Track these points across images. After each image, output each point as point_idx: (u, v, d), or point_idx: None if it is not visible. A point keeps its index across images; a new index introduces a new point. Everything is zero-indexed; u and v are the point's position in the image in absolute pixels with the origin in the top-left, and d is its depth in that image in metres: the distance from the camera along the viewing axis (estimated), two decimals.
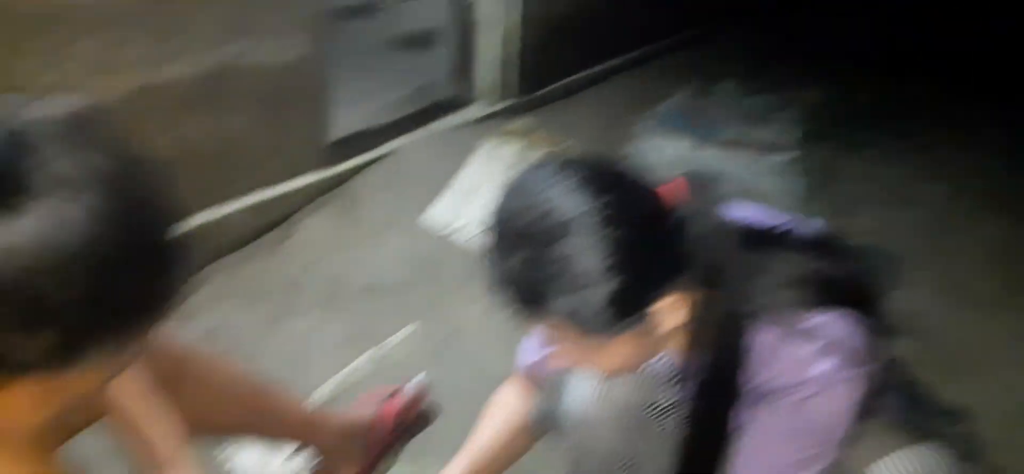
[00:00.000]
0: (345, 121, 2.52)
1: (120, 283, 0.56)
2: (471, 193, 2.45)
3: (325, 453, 1.39)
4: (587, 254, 0.79)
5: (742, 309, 0.87)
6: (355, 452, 1.43)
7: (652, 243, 0.83)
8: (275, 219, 2.20)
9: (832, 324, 0.87)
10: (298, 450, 1.49)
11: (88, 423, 1.07)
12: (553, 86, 3.10)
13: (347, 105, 2.53)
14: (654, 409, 1.08)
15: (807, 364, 0.87)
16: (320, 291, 1.99)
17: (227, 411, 1.22)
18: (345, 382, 1.70)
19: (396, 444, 1.54)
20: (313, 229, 2.21)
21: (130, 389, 0.98)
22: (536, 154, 2.71)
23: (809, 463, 0.91)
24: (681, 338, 0.91)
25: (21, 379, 0.56)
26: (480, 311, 1.97)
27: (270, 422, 1.29)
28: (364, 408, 1.48)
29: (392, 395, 1.52)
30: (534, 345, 1.17)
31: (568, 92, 3.14)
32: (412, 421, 1.56)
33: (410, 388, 1.57)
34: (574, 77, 3.15)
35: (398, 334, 1.86)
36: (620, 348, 0.87)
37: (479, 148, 2.64)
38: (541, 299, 0.81)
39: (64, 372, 0.57)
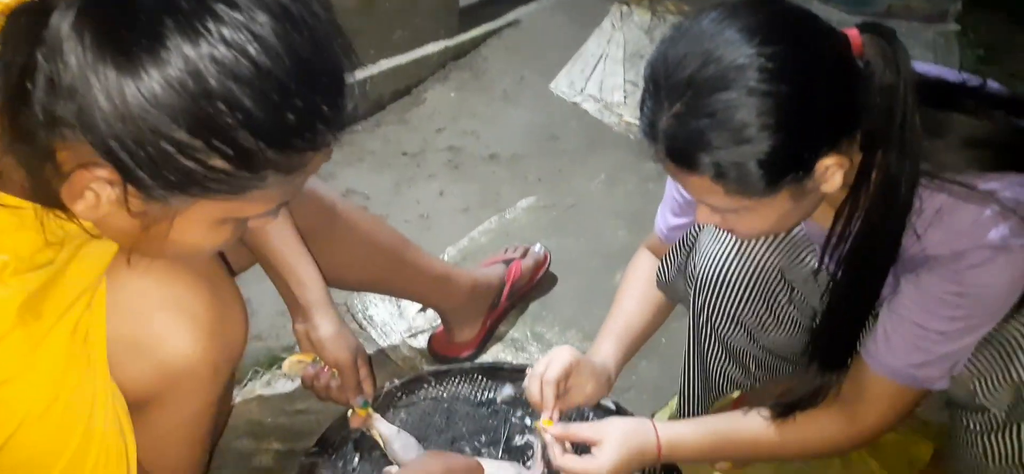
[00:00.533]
0: None
1: (291, 106, 0.58)
2: (597, 62, 2.40)
3: (450, 311, 1.48)
4: (747, 107, 0.74)
5: (914, 169, 0.80)
6: (477, 312, 1.50)
7: (820, 98, 0.77)
8: (405, 86, 2.25)
9: (1009, 188, 0.80)
10: (424, 308, 1.59)
11: (246, 266, 1.18)
12: None
13: None
14: (791, 274, 1.05)
15: (978, 230, 0.81)
16: (445, 158, 2.05)
17: (370, 263, 1.30)
18: (468, 247, 1.77)
19: (515, 308, 1.61)
20: (440, 97, 2.25)
21: (282, 234, 1.06)
22: (667, 22, 2.59)
23: (958, 334, 0.87)
24: (836, 201, 0.86)
25: (201, 200, 0.61)
26: (600, 184, 1.97)
27: (406, 277, 1.37)
28: (488, 271, 1.54)
29: (513, 260, 1.58)
30: (673, 209, 1.15)
31: None
32: (531, 287, 1.62)
33: (531, 255, 1.62)
34: None
35: (520, 203, 1.89)
36: (770, 209, 0.82)
37: (606, 16, 2.56)
38: (695, 152, 0.77)
39: (238, 195, 0.61)
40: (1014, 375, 0.90)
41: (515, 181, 1.97)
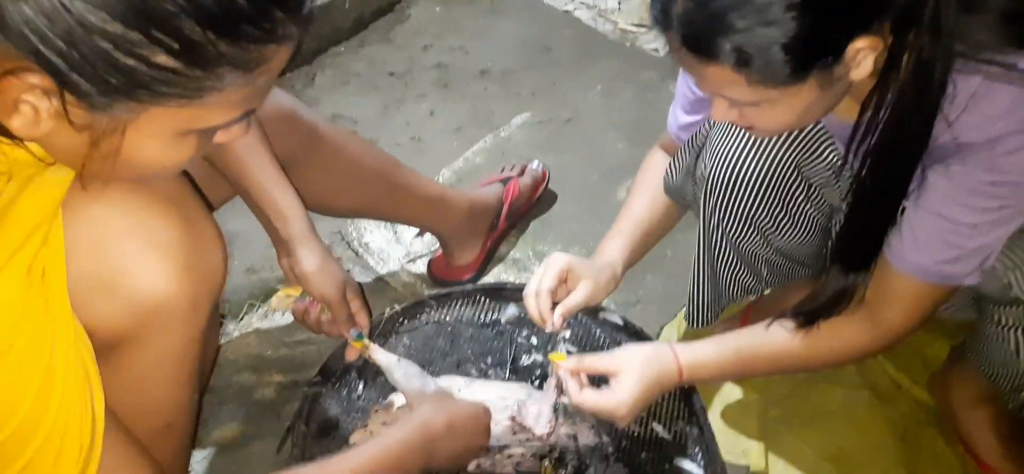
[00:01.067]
0: None
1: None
2: None
3: (447, 234, 1.42)
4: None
5: (948, 50, 0.74)
6: (476, 233, 1.45)
7: None
8: (387, 2, 2.15)
9: None
10: (421, 232, 1.54)
11: (226, 198, 1.12)
12: None
13: None
14: (809, 171, 1.00)
15: (1016, 112, 0.75)
16: (434, 77, 1.96)
17: (360, 188, 1.24)
18: (463, 168, 1.70)
19: (515, 228, 1.56)
20: (425, 12, 2.15)
21: (258, 162, 1.00)
22: None
23: (992, 226, 0.82)
24: (861, 92, 0.80)
25: (151, 107, 0.55)
26: (597, 96, 1.89)
27: (399, 201, 1.31)
28: (484, 191, 1.48)
29: (511, 179, 1.52)
30: (685, 105, 1.09)
31: None
32: (530, 205, 1.56)
33: (528, 173, 1.56)
34: None
35: (514, 120, 1.82)
36: (795, 101, 0.77)
37: None
38: (714, 37, 0.71)
39: (194, 100, 0.55)
40: None
41: (508, 97, 1.90)
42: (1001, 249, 0.86)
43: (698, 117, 1.08)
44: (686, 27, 0.73)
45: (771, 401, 1.23)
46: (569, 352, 1.18)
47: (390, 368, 1.07)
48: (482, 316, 1.30)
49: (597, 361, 0.99)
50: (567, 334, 1.18)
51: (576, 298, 1.03)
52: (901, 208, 0.87)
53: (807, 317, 0.95)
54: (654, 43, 2.05)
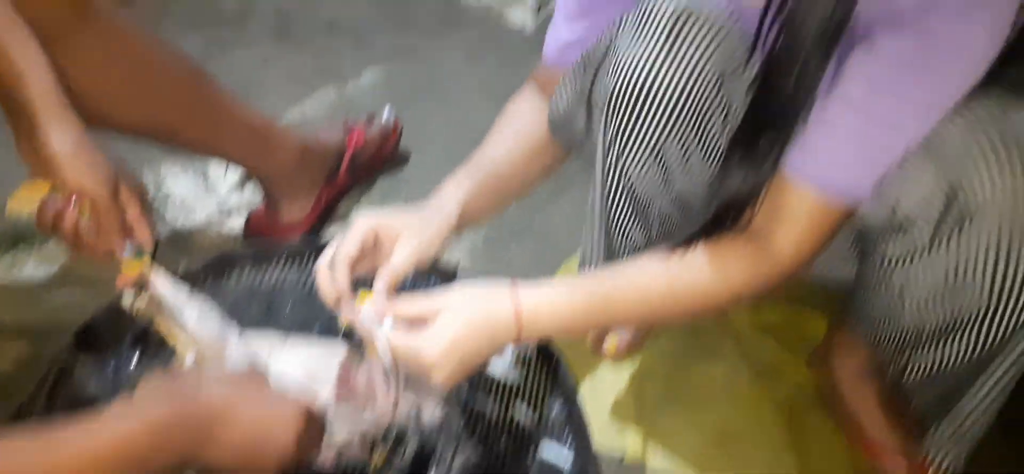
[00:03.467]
0: None
1: None
2: None
3: (273, 179, 1.16)
4: None
5: None
6: (310, 183, 1.20)
7: None
8: None
9: None
10: (244, 179, 1.26)
11: None
12: None
13: None
14: (731, 84, 0.83)
15: None
16: (273, 21, 1.69)
17: (152, 94, 0.95)
18: (298, 120, 1.45)
19: (361, 183, 1.32)
20: None
21: None
22: None
23: (914, 117, 0.70)
24: None
25: None
26: (459, 61, 1.70)
27: (209, 123, 1.03)
28: (323, 135, 1.24)
29: (356, 127, 1.28)
30: (569, 12, 0.92)
31: None
32: (379, 160, 1.33)
33: (377, 124, 1.33)
34: None
35: (364, 74, 1.59)
36: None
37: None
38: None
39: None
40: (948, 178, 0.73)
41: (359, 52, 1.66)
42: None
43: (585, 24, 0.90)
44: None
45: (648, 377, 1.08)
46: None
47: (179, 305, 0.79)
48: (309, 280, 1.05)
49: (412, 303, 0.75)
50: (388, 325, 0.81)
51: (397, 261, 0.79)
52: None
53: (685, 240, 0.78)
54: (520, 20, 1.90)
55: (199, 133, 1.04)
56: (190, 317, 0.79)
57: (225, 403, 0.66)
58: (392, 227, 0.81)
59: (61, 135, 0.73)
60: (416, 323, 0.74)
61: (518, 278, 0.77)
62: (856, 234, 0.88)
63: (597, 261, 1.02)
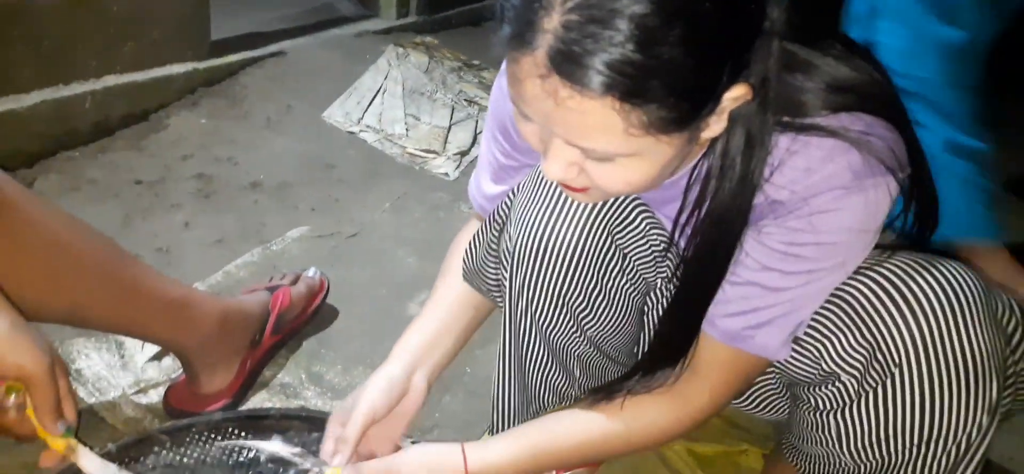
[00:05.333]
0: (231, 23, 2.20)
1: None
2: (375, 95, 2.19)
3: (194, 351, 1.12)
4: (658, 10, 0.58)
5: (775, 119, 0.70)
6: (232, 351, 1.16)
7: (738, 16, 0.63)
8: (141, 109, 1.86)
9: (861, 124, 0.72)
10: (162, 353, 1.22)
11: None
12: (459, 9, 2.91)
13: (233, 10, 2.22)
14: (622, 239, 0.89)
15: (827, 167, 0.72)
16: (193, 187, 1.68)
17: (63, 280, 0.92)
18: (223, 282, 1.42)
19: (284, 346, 1.29)
20: (187, 123, 1.89)
21: None
22: (444, 66, 2.48)
23: (801, 288, 0.77)
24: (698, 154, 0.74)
25: None
26: (385, 214, 1.73)
27: (124, 302, 1.00)
28: (246, 299, 1.21)
29: (280, 287, 1.27)
30: (492, 172, 0.97)
31: (474, 20, 2.95)
32: (305, 319, 1.31)
33: (303, 281, 1.32)
34: (481, 4, 2.97)
35: (289, 233, 1.59)
36: (662, 153, 0.66)
37: (381, 55, 2.38)
38: (594, 62, 0.59)
39: None
40: (866, 335, 0.80)
41: (283, 210, 1.66)
42: (809, 320, 0.81)
43: (506, 186, 0.95)
44: (562, 42, 0.59)
45: None
46: None
47: None
48: (235, 455, 1.01)
49: (376, 466, 0.83)
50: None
51: (383, 449, 0.90)
52: None
53: (608, 391, 0.85)
54: (443, 168, 1.96)
55: (114, 313, 1.01)
56: None
57: None
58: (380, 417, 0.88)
59: None
60: None
61: (451, 428, 0.82)
62: (785, 383, 0.93)
63: (511, 407, 1.04)
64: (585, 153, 0.67)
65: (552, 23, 0.59)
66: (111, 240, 1.03)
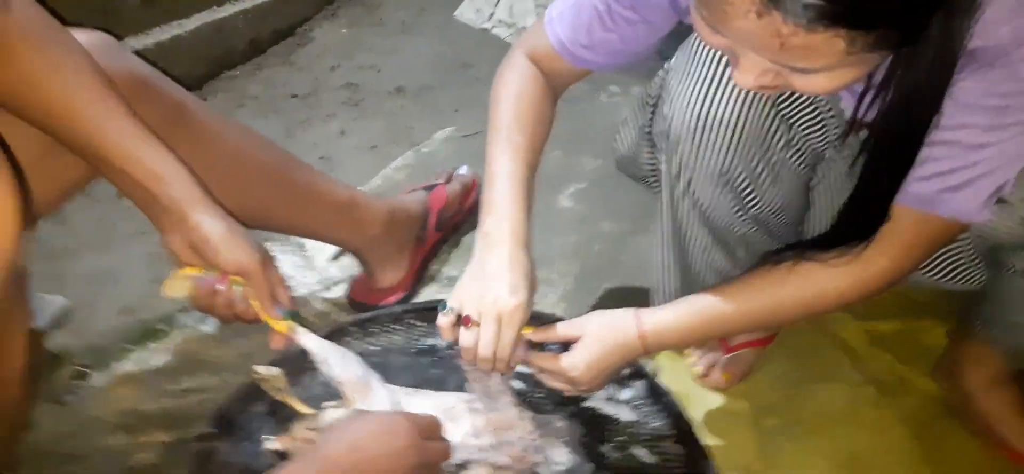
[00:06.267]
0: None
1: None
2: None
3: (366, 248, 1.20)
4: None
5: None
6: (400, 248, 1.23)
7: None
8: (287, 25, 1.94)
9: None
10: (338, 255, 1.31)
11: (83, 180, 0.87)
12: None
13: None
14: (786, 108, 0.84)
15: None
16: (343, 96, 1.76)
17: (243, 184, 1.00)
18: (382, 186, 1.49)
19: (446, 242, 1.35)
20: (330, 34, 1.95)
21: (119, 123, 0.76)
22: None
23: (1004, 146, 0.71)
24: None
25: None
26: None
27: (299, 204, 1.08)
28: (407, 198, 1.27)
29: (436, 186, 1.32)
30: (593, 23, 0.87)
31: None
32: (462, 216, 1.36)
33: (457, 179, 1.36)
34: None
35: (436, 135, 1.63)
36: (863, 66, 0.62)
37: None
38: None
39: None
40: None
41: (428, 113, 1.71)
42: (1017, 181, 0.74)
43: (609, 37, 0.86)
44: None
45: (764, 409, 1.06)
46: None
47: (325, 356, 0.86)
48: (416, 342, 1.08)
49: (561, 328, 0.88)
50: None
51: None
52: None
53: (778, 256, 0.82)
54: None
55: (290, 216, 1.09)
56: (336, 363, 0.86)
57: (352, 448, 0.74)
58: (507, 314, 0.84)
59: (212, 221, 0.78)
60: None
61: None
62: (985, 248, 0.87)
63: (671, 288, 1.03)
64: (789, 69, 0.63)
65: None
66: (282, 149, 1.09)
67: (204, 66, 1.77)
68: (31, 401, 0.97)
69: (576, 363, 0.84)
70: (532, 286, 0.85)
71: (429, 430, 0.82)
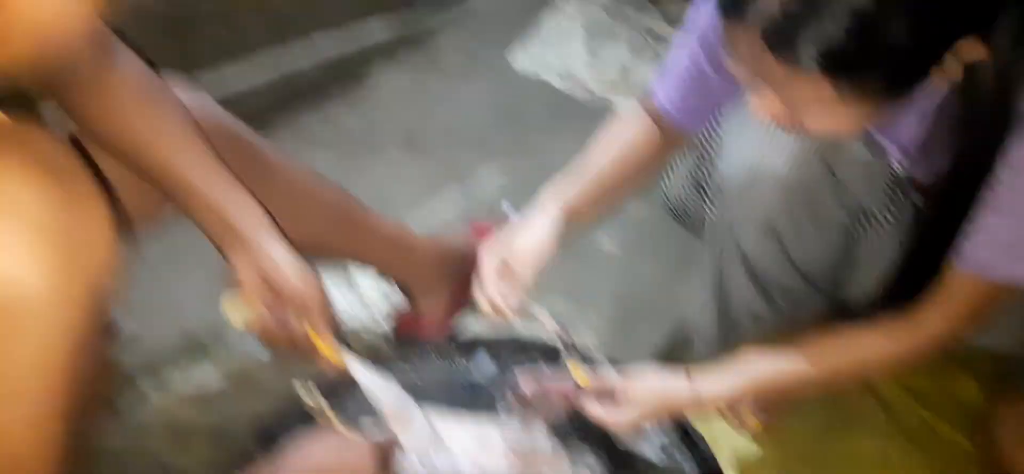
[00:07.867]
0: None
1: None
2: (556, 37, 2.23)
3: (413, 281, 1.26)
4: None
5: None
6: (446, 282, 1.29)
7: None
8: (348, 66, 2.05)
9: None
10: (386, 283, 1.37)
11: (153, 214, 0.95)
12: None
13: None
14: (834, 159, 0.87)
15: None
16: (401, 136, 1.85)
17: (309, 217, 1.08)
18: (430, 220, 1.56)
19: None
20: (389, 78, 2.05)
21: (203, 164, 0.84)
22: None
23: None
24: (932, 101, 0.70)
25: None
26: (574, 152, 1.78)
27: (354, 236, 1.15)
28: (452, 235, 1.33)
29: (482, 224, 1.37)
30: (685, 86, 0.95)
31: None
32: None
33: (499, 217, 1.42)
34: None
35: (485, 176, 1.70)
36: (873, 108, 0.65)
37: None
38: (806, 48, 0.59)
39: None
40: None
41: (479, 155, 1.78)
42: None
43: (703, 99, 0.94)
44: (777, 26, 0.60)
45: (793, 455, 1.06)
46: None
47: (371, 385, 0.92)
48: (459, 376, 1.13)
49: (613, 381, 0.92)
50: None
51: (528, 278, 0.97)
52: None
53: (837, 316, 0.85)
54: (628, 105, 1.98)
55: (345, 247, 1.16)
56: (381, 394, 0.93)
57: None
58: (515, 252, 0.97)
59: (280, 249, 0.84)
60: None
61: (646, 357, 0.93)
62: None
63: (710, 332, 1.05)
64: (787, 102, 0.67)
65: (769, 3, 0.60)
66: (339, 186, 1.17)
67: (268, 99, 1.89)
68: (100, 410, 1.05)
69: (624, 424, 0.89)
70: (537, 245, 0.97)
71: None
